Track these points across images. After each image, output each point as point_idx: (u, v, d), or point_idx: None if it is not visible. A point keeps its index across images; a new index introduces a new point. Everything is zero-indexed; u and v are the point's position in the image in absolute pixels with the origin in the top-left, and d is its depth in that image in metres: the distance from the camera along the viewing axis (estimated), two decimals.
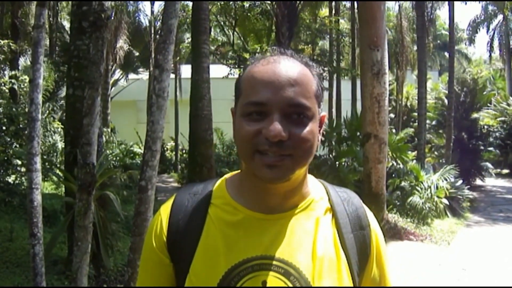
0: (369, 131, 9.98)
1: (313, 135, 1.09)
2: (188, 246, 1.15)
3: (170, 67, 3.74)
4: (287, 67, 1.10)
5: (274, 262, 1.11)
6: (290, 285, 1.09)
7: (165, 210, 1.23)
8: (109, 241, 6.53)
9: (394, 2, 23.99)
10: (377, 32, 10.05)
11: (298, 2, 15.71)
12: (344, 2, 22.99)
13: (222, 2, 18.00)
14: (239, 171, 1.22)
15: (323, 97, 1.19)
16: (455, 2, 19.13)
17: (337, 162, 12.23)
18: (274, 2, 15.63)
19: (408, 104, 27.61)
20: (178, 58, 23.03)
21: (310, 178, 1.25)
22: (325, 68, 16.86)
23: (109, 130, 19.85)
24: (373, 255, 1.22)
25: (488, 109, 25.13)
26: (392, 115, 24.30)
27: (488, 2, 35.03)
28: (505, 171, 26.96)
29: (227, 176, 1.27)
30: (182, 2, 17.89)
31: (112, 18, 16.90)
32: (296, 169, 1.09)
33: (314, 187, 1.24)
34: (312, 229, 1.17)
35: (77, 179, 3.91)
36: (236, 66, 18.71)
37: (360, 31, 11.51)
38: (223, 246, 1.13)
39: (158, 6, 32.06)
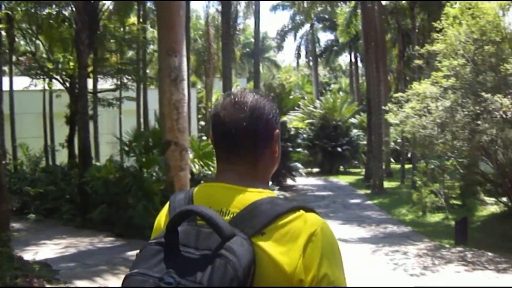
0: (169, 138, 9.79)
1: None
2: None
3: None
4: None
5: None
6: None
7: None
8: None
9: (202, 10, 24.30)
10: (175, 37, 9.94)
11: (99, 8, 15.13)
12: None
13: (24, 8, 16.61)
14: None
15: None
16: (262, 11, 19.93)
17: (143, 173, 11.91)
18: (74, 8, 14.82)
19: None
20: None
21: None
22: (129, 77, 16.45)
23: None
24: None
25: (296, 112, 26.75)
26: (202, 123, 24.61)
27: (296, 12, 37.42)
28: (315, 169, 28.92)
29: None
30: None
31: None
32: None
33: None
34: None
35: None
36: (39, 77, 17.70)
37: (159, 37, 11.30)
38: None
39: None
